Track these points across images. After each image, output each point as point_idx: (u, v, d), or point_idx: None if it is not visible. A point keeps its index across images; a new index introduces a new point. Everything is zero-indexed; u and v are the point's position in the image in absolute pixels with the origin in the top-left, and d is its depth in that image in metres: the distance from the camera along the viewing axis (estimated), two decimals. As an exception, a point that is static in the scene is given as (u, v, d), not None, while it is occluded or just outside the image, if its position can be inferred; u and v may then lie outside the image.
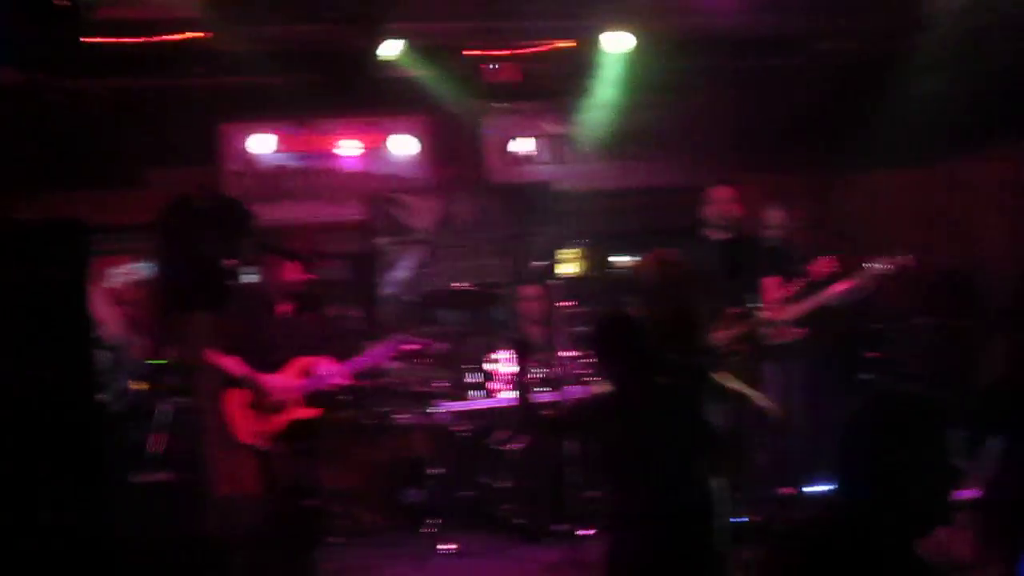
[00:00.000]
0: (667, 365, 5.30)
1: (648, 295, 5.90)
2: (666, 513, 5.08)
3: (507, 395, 9.11)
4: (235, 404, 7.65)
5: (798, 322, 8.81)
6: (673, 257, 6.10)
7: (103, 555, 5.55)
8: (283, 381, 7.57)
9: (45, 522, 5.52)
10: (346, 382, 8.02)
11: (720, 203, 8.82)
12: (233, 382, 7.70)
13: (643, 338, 5.33)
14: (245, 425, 7.61)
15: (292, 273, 7.93)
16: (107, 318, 8.04)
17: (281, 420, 7.46)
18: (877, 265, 8.89)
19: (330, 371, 7.85)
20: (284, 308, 7.95)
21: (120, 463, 7.85)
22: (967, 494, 8.30)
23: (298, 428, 7.35)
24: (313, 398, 7.67)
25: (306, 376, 7.68)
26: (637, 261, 6.42)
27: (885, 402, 3.41)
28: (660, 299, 5.84)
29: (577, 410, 5.50)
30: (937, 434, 3.29)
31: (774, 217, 9.64)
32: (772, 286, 8.96)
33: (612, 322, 5.55)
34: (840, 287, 8.84)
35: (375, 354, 8.37)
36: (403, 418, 9.24)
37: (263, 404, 7.54)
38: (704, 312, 6.33)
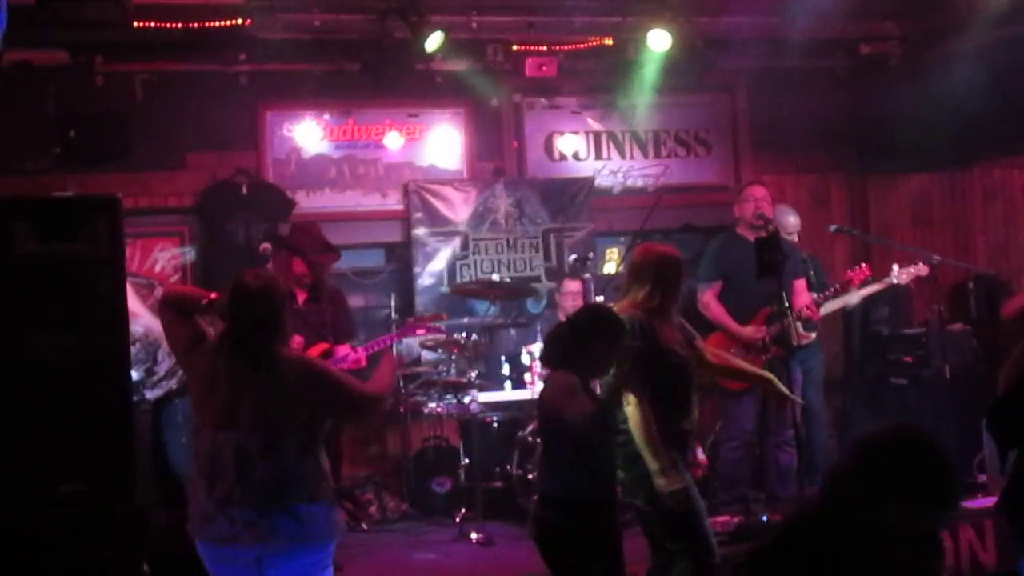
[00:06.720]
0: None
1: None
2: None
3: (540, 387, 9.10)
4: None
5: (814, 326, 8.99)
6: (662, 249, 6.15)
7: (127, 527, 5.64)
8: None
9: (72, 493, 5.62)
10: (363, 365, 8.19)
11: (756, 201, 8.89)
12: None
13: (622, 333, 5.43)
14: None
15: (298, 267, 8.25)
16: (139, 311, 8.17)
17: None
18: (897, 270, 9.04)
19: (346, 356, 8.16)
20: (298, 298, 8.22)
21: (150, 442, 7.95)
22: (990, 501, 8.30)
23: None
24: None
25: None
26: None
27: (907, 444, 3.28)
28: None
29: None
30: (937, 496, 3.23)
31: (790, 223, 9.73)
32: (802, 288, 9.00)
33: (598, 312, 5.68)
34: (865, 291, 9.09)
35: (386, 337, 8.76)
36: (435, 407, 9.28)
37: None
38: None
